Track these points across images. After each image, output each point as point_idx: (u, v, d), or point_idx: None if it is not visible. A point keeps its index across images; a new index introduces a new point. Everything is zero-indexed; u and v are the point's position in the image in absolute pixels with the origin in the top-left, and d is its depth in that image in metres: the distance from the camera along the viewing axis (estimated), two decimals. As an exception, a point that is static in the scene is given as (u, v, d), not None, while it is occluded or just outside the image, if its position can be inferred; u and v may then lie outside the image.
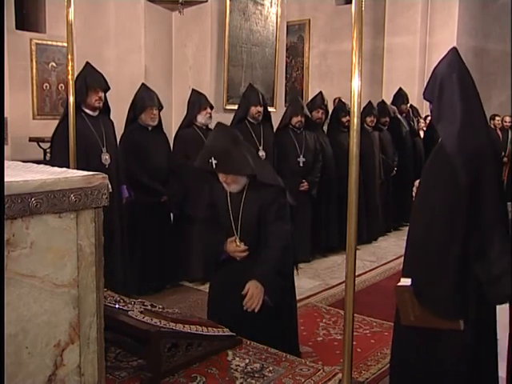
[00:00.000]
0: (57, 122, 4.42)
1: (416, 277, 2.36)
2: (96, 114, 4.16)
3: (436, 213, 2.35)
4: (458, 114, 2.32)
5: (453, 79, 2.39)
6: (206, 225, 3.26)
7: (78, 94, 4.03)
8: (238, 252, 3.00)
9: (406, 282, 2.39)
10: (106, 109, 4.28)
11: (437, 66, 2.49)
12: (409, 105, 7.54)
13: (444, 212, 2.33)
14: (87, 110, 4.12)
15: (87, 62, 4.19)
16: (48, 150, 6.42)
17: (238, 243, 2.98)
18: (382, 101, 7.27)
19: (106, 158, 4.12)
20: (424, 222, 2.39)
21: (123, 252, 4.23)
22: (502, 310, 3.83)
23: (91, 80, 4.06)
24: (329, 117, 6.43)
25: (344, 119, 6.06)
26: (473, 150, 2.29)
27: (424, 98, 2.53)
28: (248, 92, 5.29)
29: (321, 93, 6.15)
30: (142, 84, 4.74)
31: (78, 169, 1.93)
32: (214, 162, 2.82)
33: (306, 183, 5.49)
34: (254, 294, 2.79)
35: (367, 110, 6.38)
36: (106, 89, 4.21)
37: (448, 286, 2.32)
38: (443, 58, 2.48)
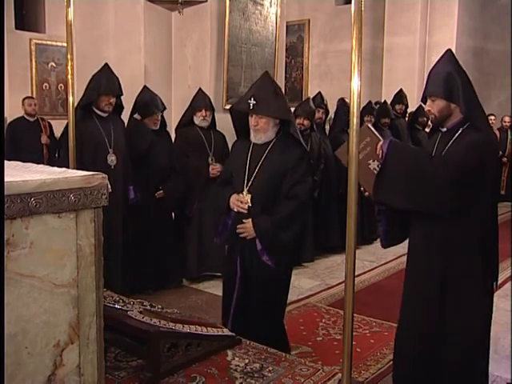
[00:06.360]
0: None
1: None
2: (106, 114, 4.19)
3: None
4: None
5: (466, 78, 2.45)
6: (219, 186, 3.34)
7: (90, 95, 4.11)
8: (238, 203, 3.04)
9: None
10: (117, 109, 4.31)
11: (439, 65, 2.49)
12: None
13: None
14: (97, 111, 4.16)
15: (106, 64, 4.23)
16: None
17: (245, 196, 3.05)
18: (385, 101, 7.26)
19: (112, 158, 4.14)
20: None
21: (124, 252, 4.23)
22: (501, 310, 3.83)
23: (105, 85, 4.09)
24: (331, 117, 6.43)
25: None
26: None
27: (432, 95, 2.50)
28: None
29: (320, 93, 6.15)
30: (144, 87, 4.73)
31: (84, 169, 1.92)
32: (252, 102, 2.95)
33: None
34: (247, 227, 2.99)
35: (366, 110, 6.37)
36: (119, 94, 4.25)
37: None
38: (445, 57, 2.50)
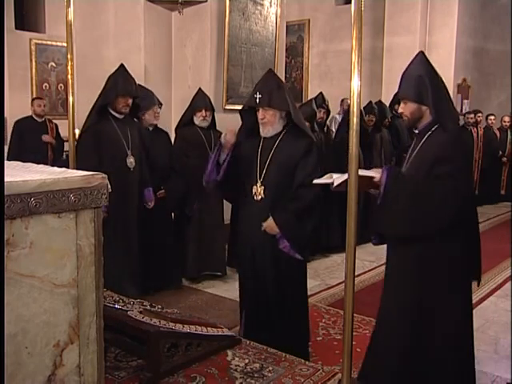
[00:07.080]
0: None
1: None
2: (122, 116, 4.13)
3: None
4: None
5: (440, 81, 2.49)
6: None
7: (108, 95, 4.05)
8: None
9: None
10: (132, 110, 4.27)
11: (411, 68, 2.51)
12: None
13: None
14: (114, 113, 4.10)
15: (122, 65, 4.18)
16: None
17: (258, 188, 3.13)
18: (380, 101, 7.26)
19: (130, 161, 4.10)
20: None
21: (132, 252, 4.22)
22: (501, 310, 3.83)
23: (122, 86, 4.04)
24: (334, 117, 6.44)
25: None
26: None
27: (404, 98, 2.52)
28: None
29: (321, 93, 6.16)
30: (138, 85, 4.72)
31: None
32: (258, 96, 3.09)
33: None
34: (270, 224, 3.05)
35: (367, 110, 6.38)
36: (136, 96, 4.21)
37: None
38: (417, 60, 2.52)
